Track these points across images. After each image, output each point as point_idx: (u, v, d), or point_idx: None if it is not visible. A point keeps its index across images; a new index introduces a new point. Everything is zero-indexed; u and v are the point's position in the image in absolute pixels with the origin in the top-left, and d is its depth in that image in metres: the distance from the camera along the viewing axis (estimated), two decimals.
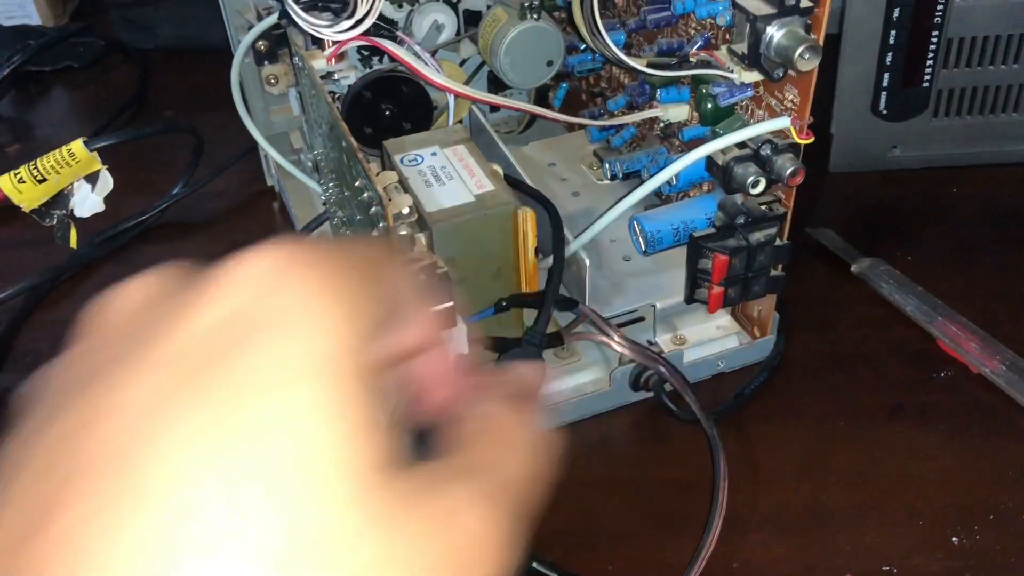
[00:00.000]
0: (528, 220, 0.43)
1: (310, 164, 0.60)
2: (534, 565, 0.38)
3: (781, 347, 0.49)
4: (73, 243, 0.55)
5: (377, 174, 0.39)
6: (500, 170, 0.45)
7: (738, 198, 0.43)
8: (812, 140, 0.41)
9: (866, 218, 0.60)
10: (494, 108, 0.62)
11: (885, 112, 0.60)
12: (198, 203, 0.63)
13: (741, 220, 0.42)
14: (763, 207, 0.43)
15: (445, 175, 0.44)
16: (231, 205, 0.64)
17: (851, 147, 0.61)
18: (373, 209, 0.38)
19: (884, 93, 0.59)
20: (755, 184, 0.41)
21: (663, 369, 0.44)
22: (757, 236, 0.43)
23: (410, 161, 0.45)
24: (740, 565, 0.40)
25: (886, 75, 0.58)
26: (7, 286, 0.56)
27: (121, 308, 0.19)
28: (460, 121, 0.53)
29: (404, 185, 0.42)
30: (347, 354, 0.17)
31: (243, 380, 0.16)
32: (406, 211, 0.37)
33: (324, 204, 0.53)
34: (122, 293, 0.19)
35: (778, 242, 0.43)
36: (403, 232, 0.38)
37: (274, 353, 0.17)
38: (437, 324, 0.23)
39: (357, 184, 0.39)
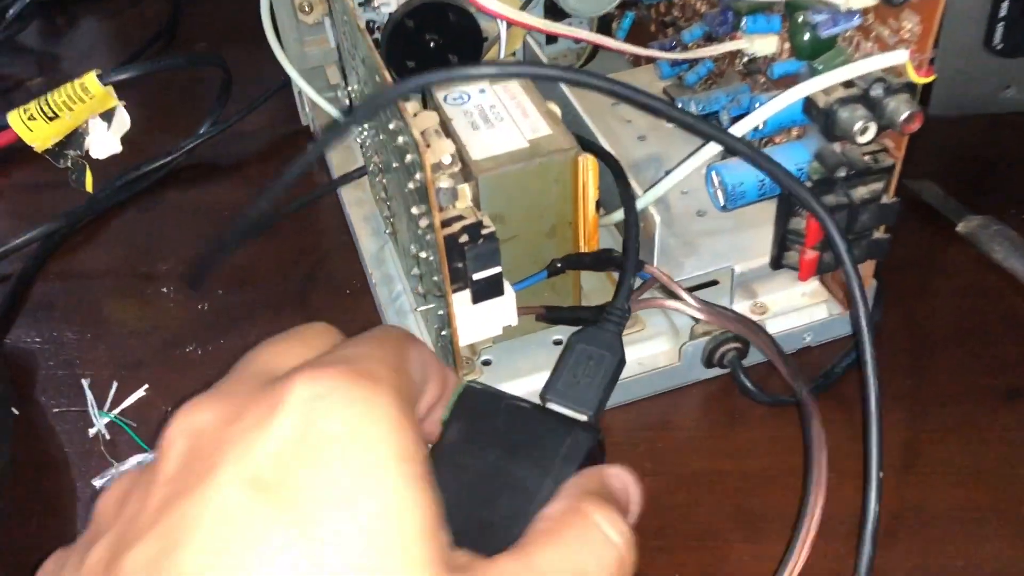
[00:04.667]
0: (590, 168, 0.38)
1: (347, 102, 0.55)
2: None
3: (878, 319, 0.42)
4: (89, 186, 0.50)
5: (415, 115, 0.33)
6: (558, 110, 0.39)
7: (837, 147, 0.37)
8: (933, 78, 0.35)
9: (973, 170, 0.53)
10: (551, 39, 0.56)
11: (1000, 47, 0.52)
12: (227, 144, 0.58)
13: (843, 173, 0.36)
14: (866, 158, 0.37)
15: (495, 116, 0.39)
16: (263, 146, 0.59)
17: (957, 87, 0.54)
18: (409, 157, 0.32)
19: (1000, 24, 0.51)
20: (863, 131, 0.34)
21: (750, 335, 0.38)
22: (861, 192, 0.36)
23: (455, 99, 0.40)
24: None
25: (1004, 3, 0.50)
26: (21, 232, 0.51)
27: (191, 427, 0.22)
28: (513, 54, 0.47)
29: (446, 128, 0.36)
30: (403, 461, 0.20)
31: (318, 496, 0.19)
32: (447, 160, 0.32)
33: (362, 148, 0.48)
34: (193, 409, 0.22)
35: (884, 199, 0.37)
36: (444, 184, 0.32)
37: (343, 470, 0.20)
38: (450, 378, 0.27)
39: (391, 126, 0.33)
